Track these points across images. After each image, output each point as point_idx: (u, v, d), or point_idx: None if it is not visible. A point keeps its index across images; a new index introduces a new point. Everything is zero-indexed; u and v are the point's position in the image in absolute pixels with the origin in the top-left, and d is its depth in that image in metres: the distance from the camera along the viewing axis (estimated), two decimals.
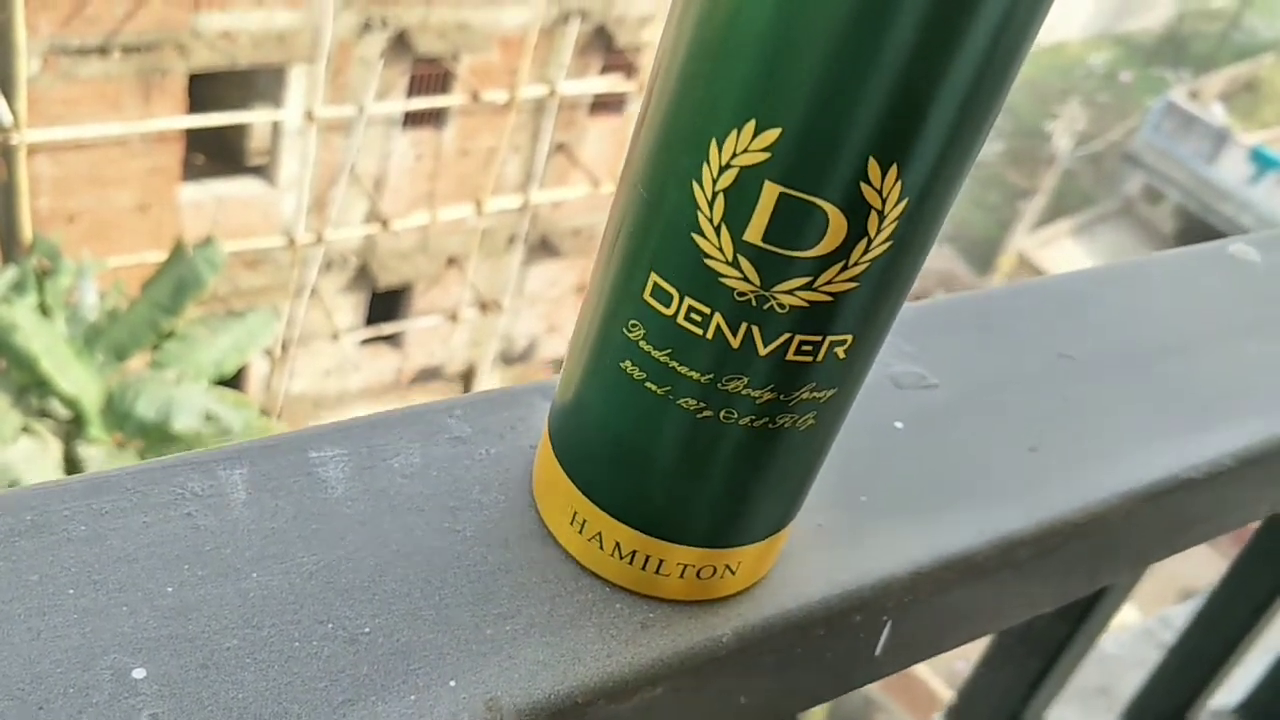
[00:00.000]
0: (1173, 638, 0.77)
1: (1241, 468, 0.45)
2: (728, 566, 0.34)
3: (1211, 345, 0.49)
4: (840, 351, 0.29)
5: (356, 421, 0.36)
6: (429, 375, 13.52)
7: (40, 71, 9.08)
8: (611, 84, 12.09)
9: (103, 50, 9.28)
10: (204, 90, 10.48)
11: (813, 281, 0.28)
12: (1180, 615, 0.85)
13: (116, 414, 8.07)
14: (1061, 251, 18.77)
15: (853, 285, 0.28)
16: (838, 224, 0.27)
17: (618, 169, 0.29)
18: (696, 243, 0.28)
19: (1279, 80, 25.30)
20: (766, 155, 0.26)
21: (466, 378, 13.57)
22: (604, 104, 12.55)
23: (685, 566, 0.33)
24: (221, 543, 0.32)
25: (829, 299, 0.28)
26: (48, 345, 7.63)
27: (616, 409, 0.31)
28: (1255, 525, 0.69)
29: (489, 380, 13.40)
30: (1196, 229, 19.24)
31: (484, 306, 12.88)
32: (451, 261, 12.57)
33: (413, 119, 11.45)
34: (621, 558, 0.33)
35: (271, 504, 0.33)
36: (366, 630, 0.30)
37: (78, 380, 7.85)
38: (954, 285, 18.91)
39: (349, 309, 12.47)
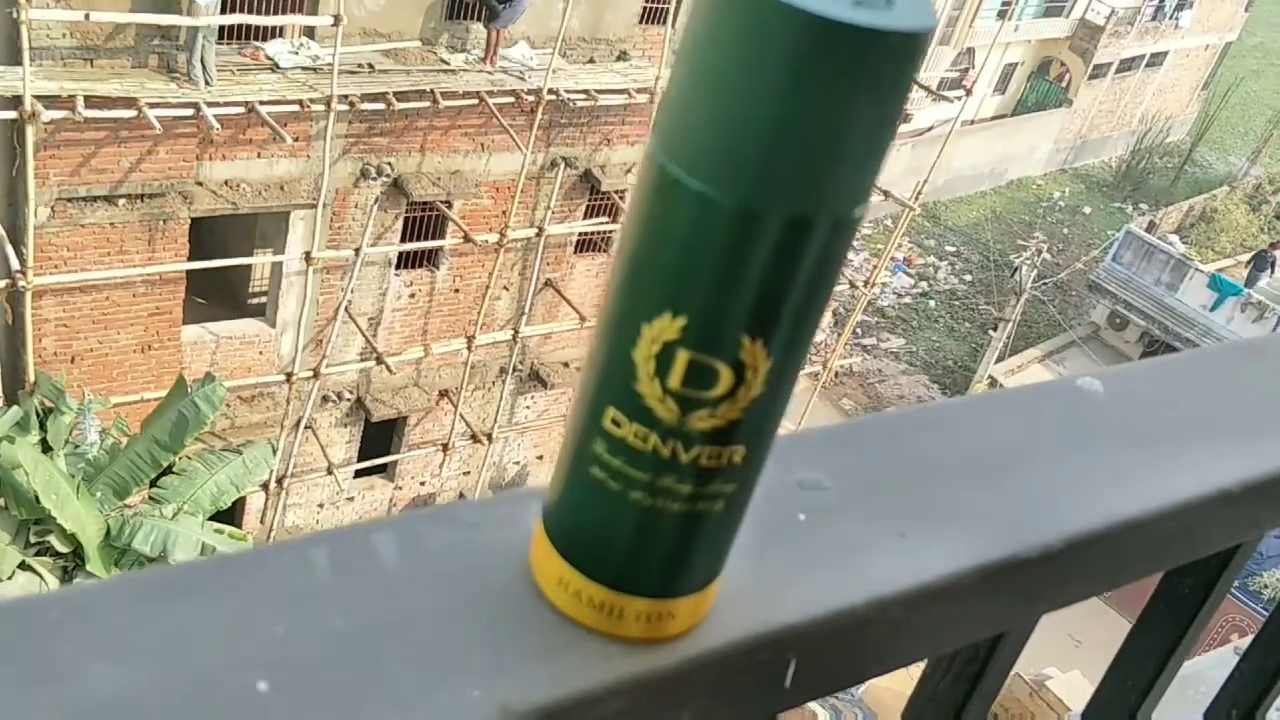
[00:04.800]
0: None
1: (1069, 549, 0.59)
2: (671, 613, 0.47)
3: (1051, 457, 0.64)
4: (737, 459, 0.44)
5: (403, 516, 0.50)
6: (421, 505, 13.56)
7: (49, 218, 9.38)
8: (596, 224, 12.50)
9: (109, 198, 9.60)
10: (206, 234, 10.81)
11: (714, 412, 0.42)
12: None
13: (115, 549, 8.13)
14: (1033, 376, 19.05)
15: (740, 415, 0.43)
16: (727, 376, 0.42)
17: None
18: (638, 389, 0.42)
19: (1233, 212, 26.07)
20: (679, 334, 0.41)
21: None
22: (589, 242, 12.95)
23: (639, 613, 0.47)
24: (313, 597, 0.46)
25: (726, 424, 0.43)
26: (48, 482, 7.74)
27: (587, 501, 0.46)
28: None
29: None
30: (1162, 353, 19.58)
31: (475, 437, 13.03)
32: (444, 394, 12.77)
33: (407, 259, 11.78)
34: (593, 608, 0.47)
35: (345, 571, 0.47)
36: (414, 655, 0.44)
37: (77, 516, 7.94)
38: None
39: (343, 442, 12.61)
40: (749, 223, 0.38)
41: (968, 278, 24.04)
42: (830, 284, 0.41)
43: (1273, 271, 21.56)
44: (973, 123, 23.92)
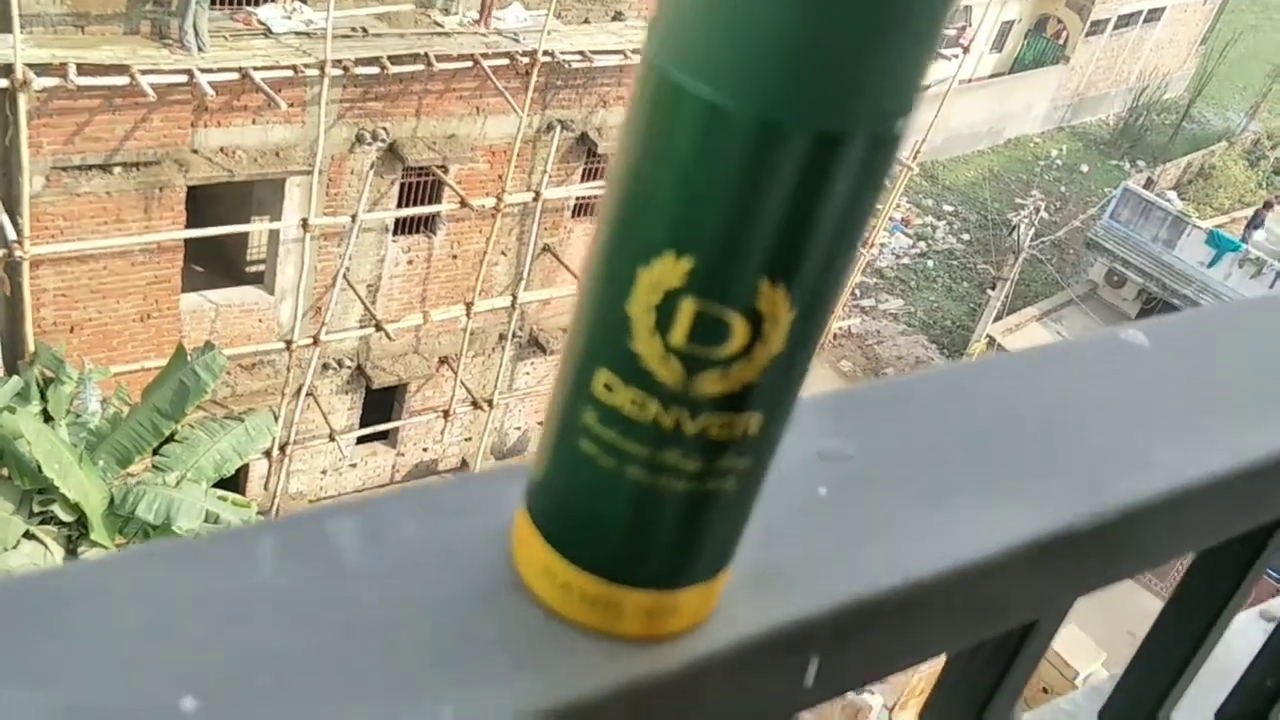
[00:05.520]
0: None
1: (1125, 520, 0.52)
2: (674, 607, 0.41)
3: (1100, 418, 0.57)
4: (752, 429, 0.37)
5: (367, 500, 0.43)
6: (423, 470, 13.57)
7: (44, 188, 9.29)
8: (594, 188, 12.38)
9: (104, 167, 9.50)
10: (203, 202, 10.70)
11: (725, 374, 0.35)
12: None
13: (119, 517, 8.13)
14: (1032, 335, 19.04)
15: (757, 376, 0.36)
16: (742, 330, 0.35)
17: None
18: (634, 347, 0.36)
19: (1231, 167, 25.97)
20: (684, 279, 0.34)
21: (460, 473, 13.61)
22: (587, 207, 12.84)
23: (638, 608, 0.40)
24: (255, 600, 0.39)
25: (740, 387, 0.36)
26: (50, 452, 7.70)
27: (577, 480, 0.39)
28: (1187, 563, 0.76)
29: None
30: (1160, 310, 19.61)
31: (476, 403, 12.98)
32: (444, 361, 12.71)
33: (404, 225, 11.68)
34: (585, 602, 0.40)
35: (296, 568, 0.40)
36: (375, 665, 0.38)
37: (80, 485, 7.92)
38: None
39: (345, 409, 12.57)
40: (769, 139, 0.31)
41: (965, 237, 23.94)
42: (866, 215, 0.34)
43: (1254, 229, 21.39)
44: (970, 81, 23.67)
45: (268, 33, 10.07)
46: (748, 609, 0.43)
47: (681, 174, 0.33)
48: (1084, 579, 0.56)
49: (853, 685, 0.47)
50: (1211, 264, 20.13)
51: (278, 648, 0.37)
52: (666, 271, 0.34)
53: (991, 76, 26.68)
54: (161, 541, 0.40)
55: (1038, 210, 20.02)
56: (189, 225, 10.21)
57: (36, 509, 8.35)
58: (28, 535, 8.11)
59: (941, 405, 0.56)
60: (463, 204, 11.30)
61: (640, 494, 0.38)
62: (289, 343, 11.28)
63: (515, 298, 12.51)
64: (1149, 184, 22.81)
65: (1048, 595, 0.55)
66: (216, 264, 11.51)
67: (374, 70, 10.13)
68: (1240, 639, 1.19)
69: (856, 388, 0.55)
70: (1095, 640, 11.17)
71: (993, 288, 20.13)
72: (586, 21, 11.73)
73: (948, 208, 24.75)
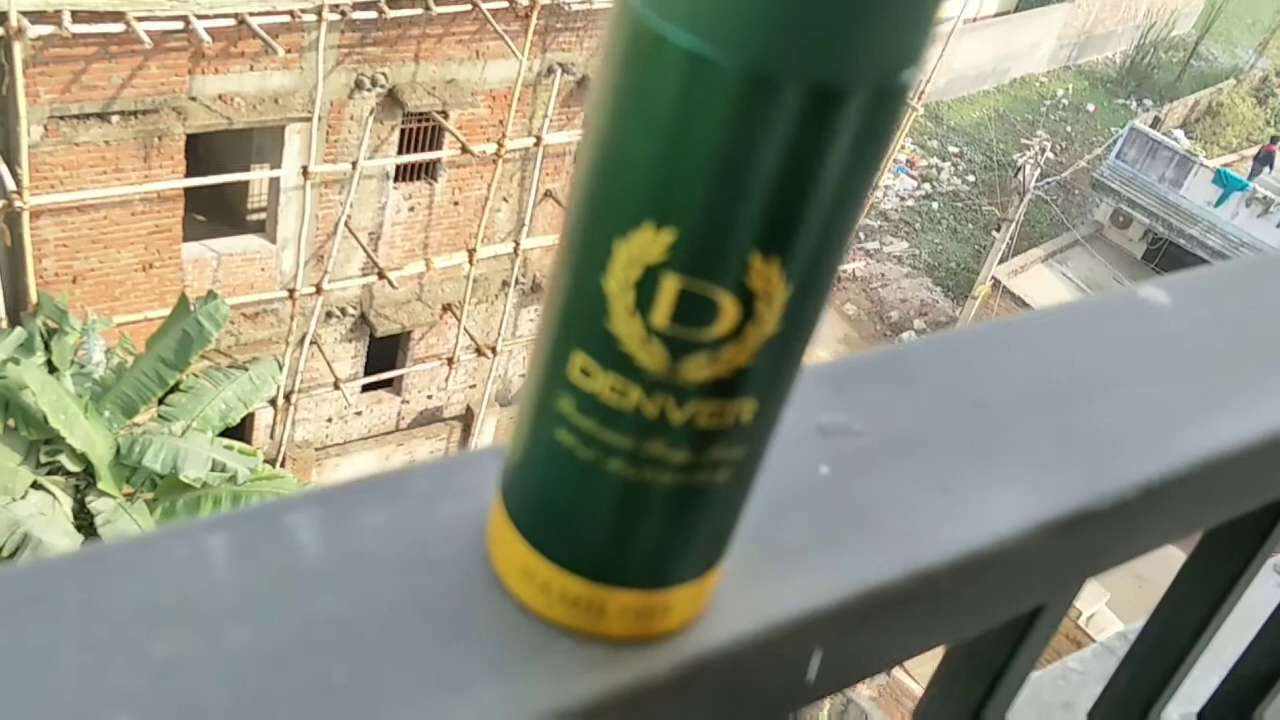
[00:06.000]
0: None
1: (1145, 497, 0.49)
2: (664, 607, 0.38)
3: (1119, 386, 0.54)
4: (745, 416, 0.34)
5: (327, 489, 0.40)
6: (429, 418, 13.58)
7: (42, 137, 9.20)
8: None
9: (102, 115, 9.40)
10: (203, 150, 10.61)
11: (714, 357, 0.32)
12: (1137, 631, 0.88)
13: (126, 467, 8.14)
14: (1036, 276, 18.94)
15: (750, 360, 0.32)
16: (731, 309, 0.31)
17: None
18: (612, 328, 0.32)
19: (1239, 105, 25.63)
20: (666, 253, 0.30)
21: (465, 420, 13.63)
22: None
23: (625, 609, 0.37)
24: (205, 604, 0.36)
25: (730, 372, 0.32)
26: (56, 402, 7.69)
27: (554, 473, 0.35)
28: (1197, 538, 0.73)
29: (487, 421, 13.46)
30: (1165, 250, 19.46)
31: (480, 350, 12.96)
32: (447, 308, 12.66)
33: (405, 172, 11.58)
34: (567, 603, 0.37)
35: (250, 566, 0.37)
36: (336, 675, 0.34)
37: (86, 436, 7.92)
38: (932, 313, 19.09)
39: (349, 357, 12.55)
40: (761, 95, 0.28)
41: (971, 179, 23.73)
42: (869, 179, 0.30)
43: (1270, 168, 21.14)
44: (975, 20, 23.29)
45: None
46: (744, 604, 0.40)
47: (662, 135, 0.29)
48: (1096, 560, 0.52)
49: (859, 678, 0.44)
50: (1218, 203, 19.91)
51: (228, 656, 0.34)
52: (646, 244, 0.30)
53: (997, 15, 26.29)
54: (106, 543, 0.37)
55: (1043, 151, 19.79)
56: (189, 174, 10.12)
57: (44, 459, 8.36)
58: (35, 486, 8.13)
59: (949, 374, 0.52)
60: (464, 150, 11.18)
61: (623, 489, 0.35)
62: (292, 291, 11.24)
63: (518, 244, 12.44)
64: (1156, 123, 22.54)
65: (1058, 578, 0.52)
66: (218, 213, 11.44)
67: (371, 14, 9.98)
68: (1255, 595, 1.17)
69: (859, 356, 0.51)
70: (1102, 581, 11.21)
71: (998, 229, 19.96)
72: None
73: (953, 149, 24.51)
